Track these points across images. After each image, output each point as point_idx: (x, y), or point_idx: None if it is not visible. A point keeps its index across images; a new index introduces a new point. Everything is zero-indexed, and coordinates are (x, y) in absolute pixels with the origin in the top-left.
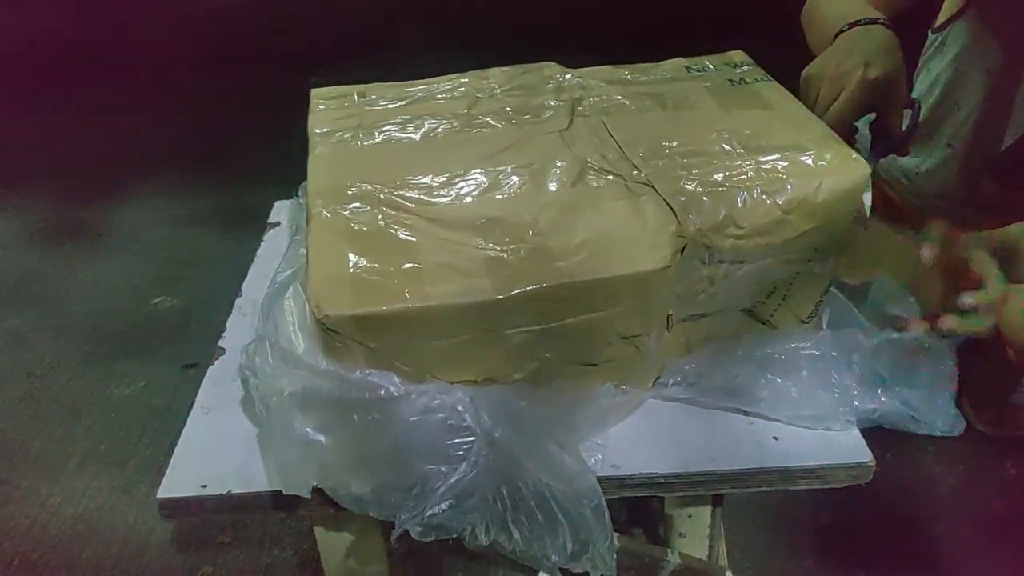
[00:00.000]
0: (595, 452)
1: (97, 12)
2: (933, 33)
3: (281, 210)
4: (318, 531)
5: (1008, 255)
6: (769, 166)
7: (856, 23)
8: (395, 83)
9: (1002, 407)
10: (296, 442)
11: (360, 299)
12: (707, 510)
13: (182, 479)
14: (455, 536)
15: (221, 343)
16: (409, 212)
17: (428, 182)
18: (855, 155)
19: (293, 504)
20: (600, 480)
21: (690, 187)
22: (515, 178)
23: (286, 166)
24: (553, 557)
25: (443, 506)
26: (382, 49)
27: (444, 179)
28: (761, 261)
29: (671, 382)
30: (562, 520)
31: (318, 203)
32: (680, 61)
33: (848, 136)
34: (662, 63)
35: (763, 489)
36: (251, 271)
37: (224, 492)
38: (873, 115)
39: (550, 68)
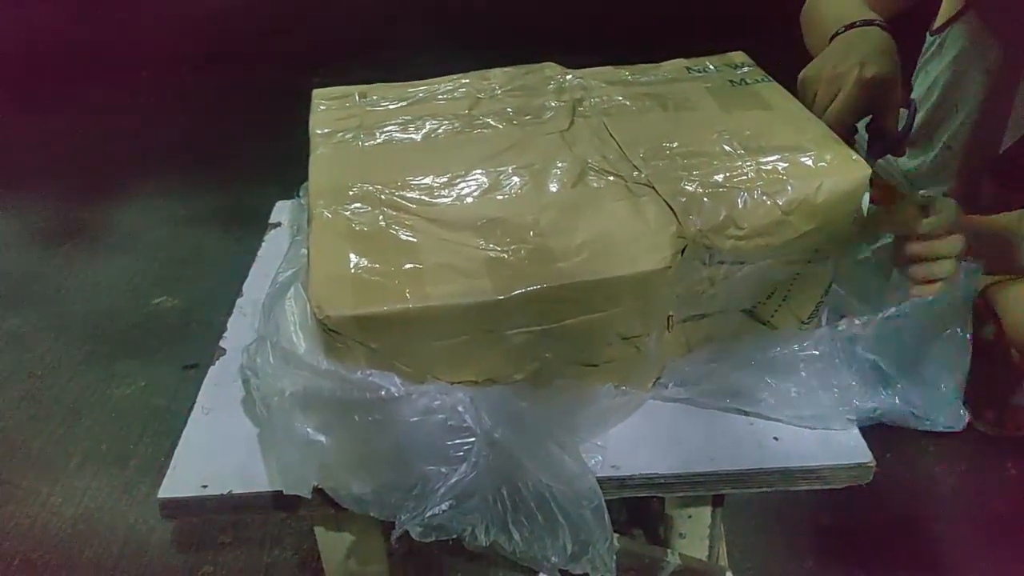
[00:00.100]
0: (595, 453)
1: (97, 12)
2: (931, 35)
3: (282, 210)
4: (318, 531)
5: (993, 242)
6: (769, 167)
7: (852, 25)
8: (396, 84)
9: (1002, 407)
10: (297, 442)
11: (361, 299)
12: (707, 511)
13: (183, 479)
14: (455, 537)
15: (222, 343)
16: (410, 213)
17: (429, 183)
18: (855, 156)
19: (294, 504)
20: (600, 481)
21: (691, 188)
22: (516, 179)
23: (286, 166)
24: (553, 558)
25: (443, 507)
26: (382, 49)
27: (445, 180)
28: (761, 262)
29: (671, 383)
30: (562, 521)
31: (319, 203)
32: (681, 62)
33: (847, 137)
34: (663, 64)
35: (763, 490)
36: (252, 271)
37: (225, 492)
38: (869, 117)
39: (551, 69)
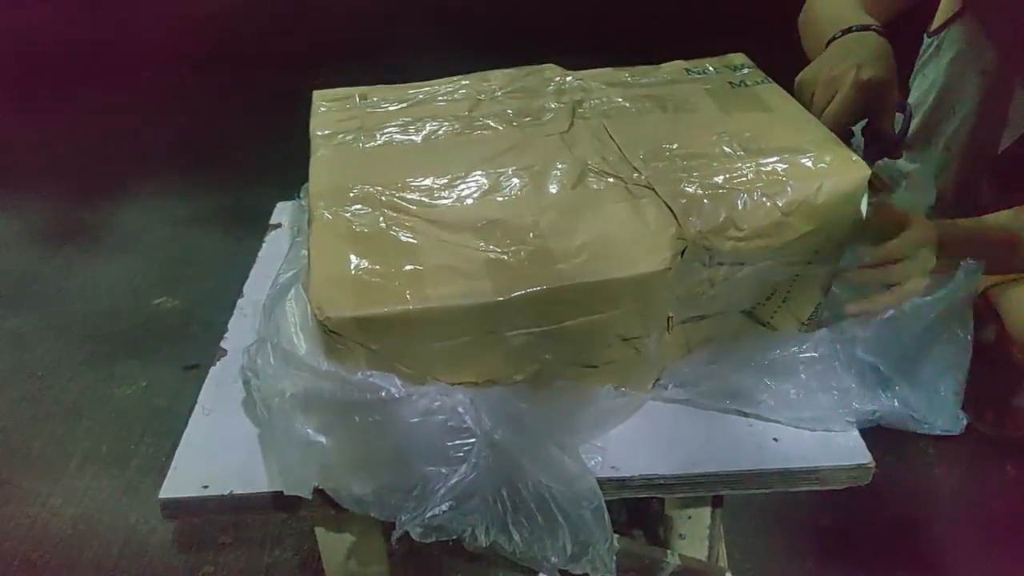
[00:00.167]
0: (595, 454)
1: (97, 12)
2: (929, 37)
3: (283, 211)
4: (319, 532)
5: (990, 243)
6: (769, 168)
7: (849, 30)
8: (396, 85)
9: (1003, 408)
10: (297, 443)
11: (361, 301)
12: (707, 511)
13: (184, 480)
14: (455, 537)
15: (223, 344)
16: (410, 214)
17: (429, 184)
18: (855, 157)
19: (294, 505)
20: (600, 481)
21: (690, 189)
22: (516, 180)
23: (287, 166)
24: (553, 559)
25: (443, 507)
26: (383, 50)
27: (445, 181)
28: (761, 263)
29: (671, 384)
30: (562, 522)
31: (320, 205)
32: (680, 63)
33: (843, 140)
34: (662, 65)
35: (763, 491)
36: (252, 272)
37: (226, 493)
38: (865, 120)
39: (551, 70)
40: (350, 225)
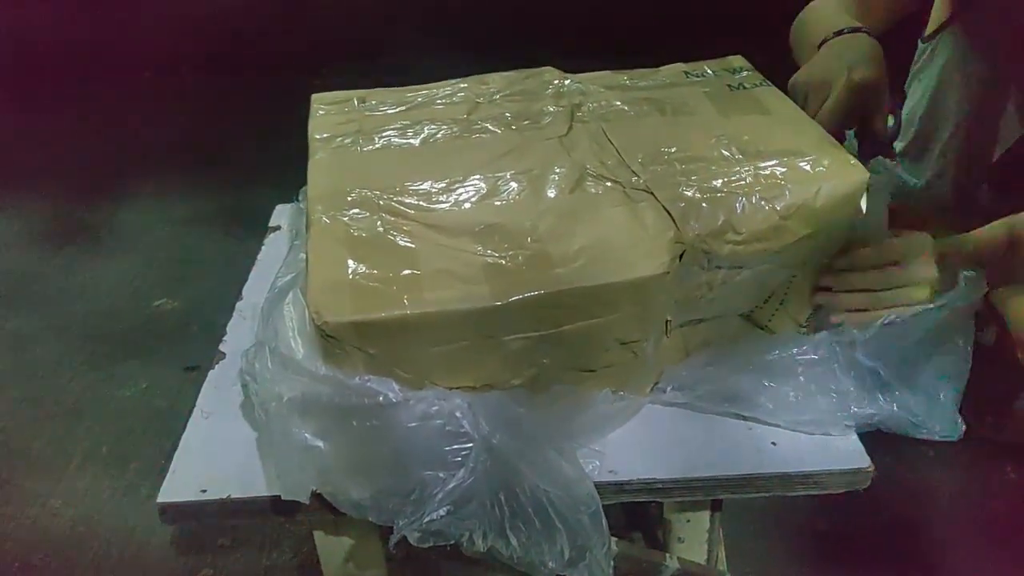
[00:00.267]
0: (593, 458)
1: (97, 12)
2: (923, 43)
3: (282, 214)
4: (317, 535)
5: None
6: (768, 172)
7: (840, 32)
8: (395, 88)
9: (1003, 410)
10: (295, 447)
11: (359, 305)
12: (706, 515)
13: (182, 483)
14: (453, 542)
15: (221, 347)
16: (408, 218)
17: (427, 188)
18: (853, 160)
19: (292, 509)
20: (598, 486)
21: (689, 193)
22: (514, 184)
23: (287, 167)
24: (551, 563)
25: (441, 512)
26: (382, 51)
27: (443, 185)
28: (759, 266)
29: (669, 388)
30: (560, 526)
31: (318, 209)
32: (679, 66)
33: (837, 140)
34: (661, 68)
35: (761, 495)
36: (252, 275)
37: (223, 497)
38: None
39: (550, 73)
40: (348, 229)
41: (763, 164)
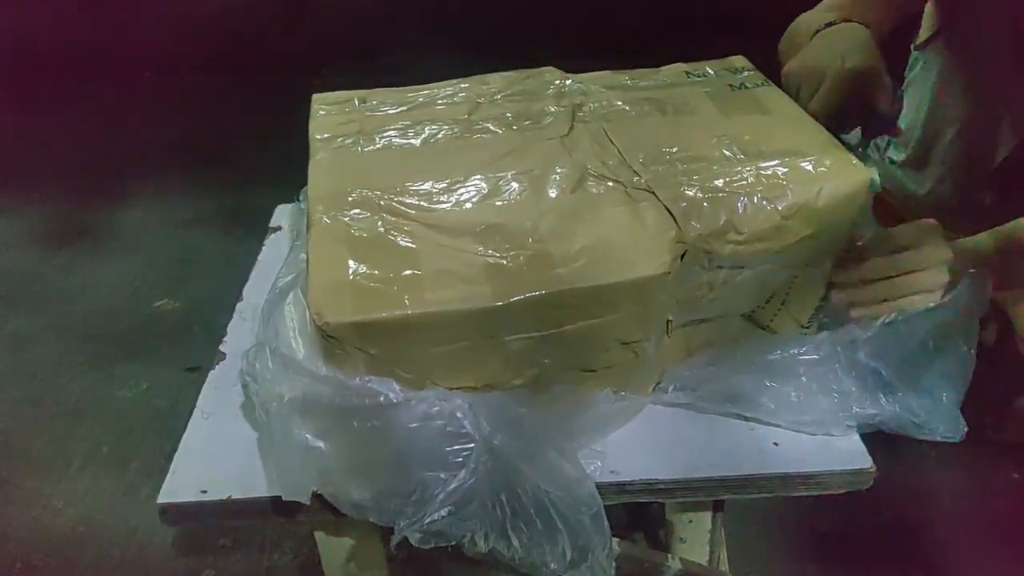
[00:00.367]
0: (594, 458)
1: (97, 12)
2: (915, 50)
3: (283, 214)
4: (318, 536)
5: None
6: (769, 171)
7: (831, 24)
8: (396, 88)
9: (1004, 410)
10: (296, 448)
11: (360, 306)
12: (708, 515)
13: (182, 484)
14: (454, 543)
15: (222, 347)
16: (409, 218)
17: (428, 188)
18: (855, 160)
19: (293, 510)
20: (600, 486)
21: (690, 193)
22: (515, 184)
23: (287, 167)
24: (552, 564)
25: (442, 513)
26: (382, 50)
27: (444, 185)
28: (761, 266)
29: (671, 388)
30: (561, 527)
31: (318, 209)
32: (680, 66)
33: (833, 130)
34: (662, 68)
35: (763, 495)
36: (252, 275)
37: (224, 498)
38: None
39: (551, 73)
40: (349, 229)
41: (765, 164)
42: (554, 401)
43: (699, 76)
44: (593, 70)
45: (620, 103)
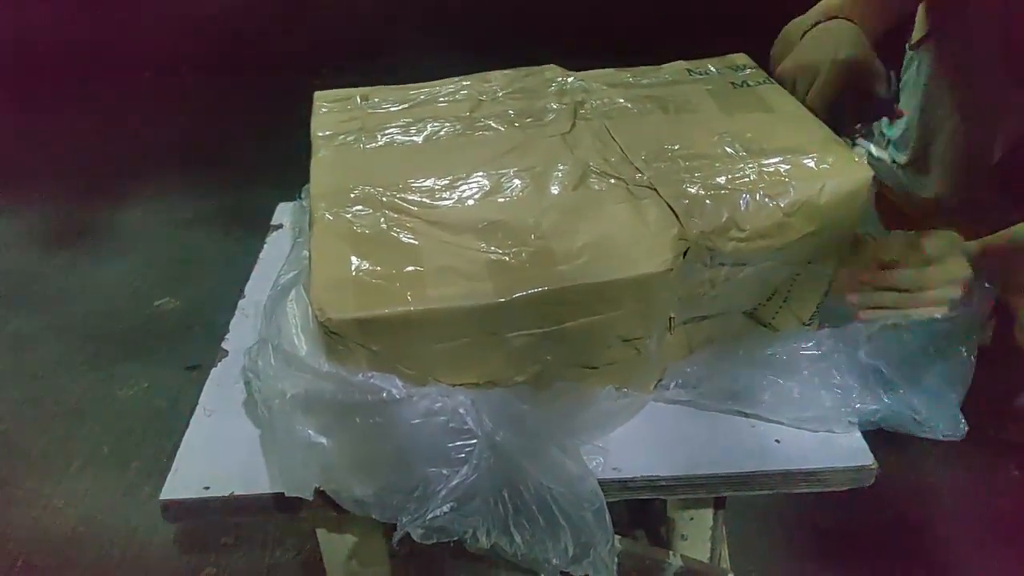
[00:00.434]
0: (596, 455)
1: (97, 12)
2: (909, 49)
3: (284, 212)
4: (320, 533)
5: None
6: (771, 169)
7: (819, 22)
8: (398, 86)
9: (1004, 409)
10: (298, 444)
11: (362, 302)
12: (709, 512)
13: (185, 481)
14: (456, 539)
15: (224, 345)
16: (411, 215)
17: (430, 185)
18: (857, 158)
19: (295, 506)
20: (602, 483)
21: (692, 190)
22: (517, 181)
23: (287, 166)
24: (554, 560)
25: (444, 509)
26: (383, 50)
27: (446, 182)
28: (763, 264)
29: (673, 385)
30: (563, 523)
31: (321, 206)
32: (682, 64)
33: (830, 123)
34: (664, 66)
35: (765, 492)
36: (254, 273)
37: (227, 494)
38: (859, 125)
39: (552, 71)
40: (351, 226)
41: (767, 161)
42: (556, 398)
43: (701, 74)
44: (595, 68)
45: (622, 100)
